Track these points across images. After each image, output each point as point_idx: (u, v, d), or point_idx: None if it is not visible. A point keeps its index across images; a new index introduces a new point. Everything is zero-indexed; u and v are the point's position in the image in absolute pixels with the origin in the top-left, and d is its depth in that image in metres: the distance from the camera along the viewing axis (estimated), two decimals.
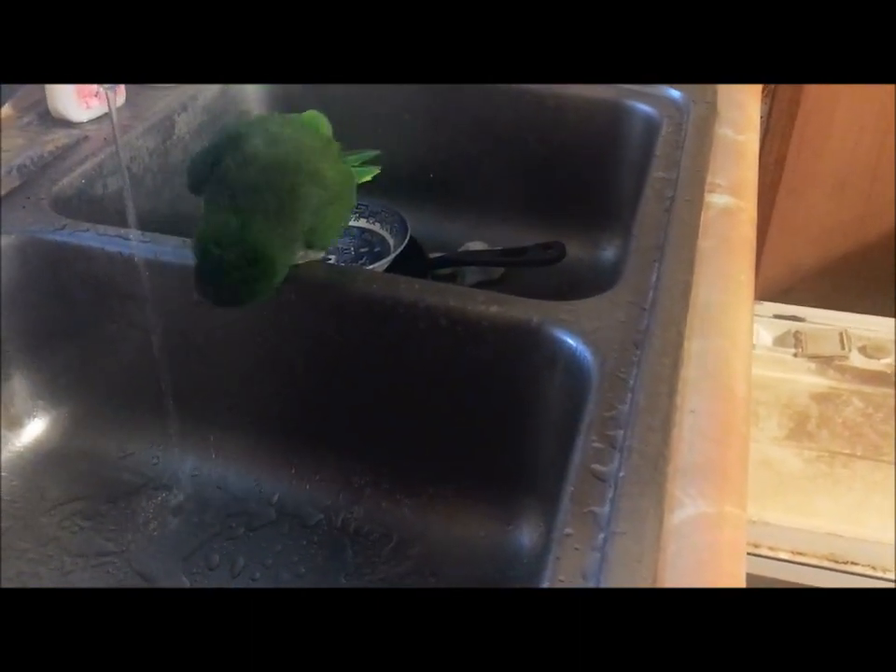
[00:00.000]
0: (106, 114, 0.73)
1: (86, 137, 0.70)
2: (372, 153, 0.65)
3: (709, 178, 0.66)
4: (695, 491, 0.42)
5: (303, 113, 0.58)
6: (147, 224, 0.71)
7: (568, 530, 0.40)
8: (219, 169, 0.50)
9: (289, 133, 0.53)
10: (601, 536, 0.39)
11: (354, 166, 0.61)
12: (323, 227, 0.53)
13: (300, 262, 0.55)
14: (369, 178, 0.63)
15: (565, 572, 0.38)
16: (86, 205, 0.66)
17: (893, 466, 1.23)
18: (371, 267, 0.74)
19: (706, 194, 0.64)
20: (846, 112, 1.52)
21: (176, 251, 0.57)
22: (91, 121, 0.72)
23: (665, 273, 0.55)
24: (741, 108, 0.78)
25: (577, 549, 0.39)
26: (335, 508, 0.60)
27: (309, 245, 0.53)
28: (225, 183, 0.50)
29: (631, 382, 0.47)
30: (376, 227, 0.82)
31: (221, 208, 0.49)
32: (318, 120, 0.58)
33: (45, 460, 0.63)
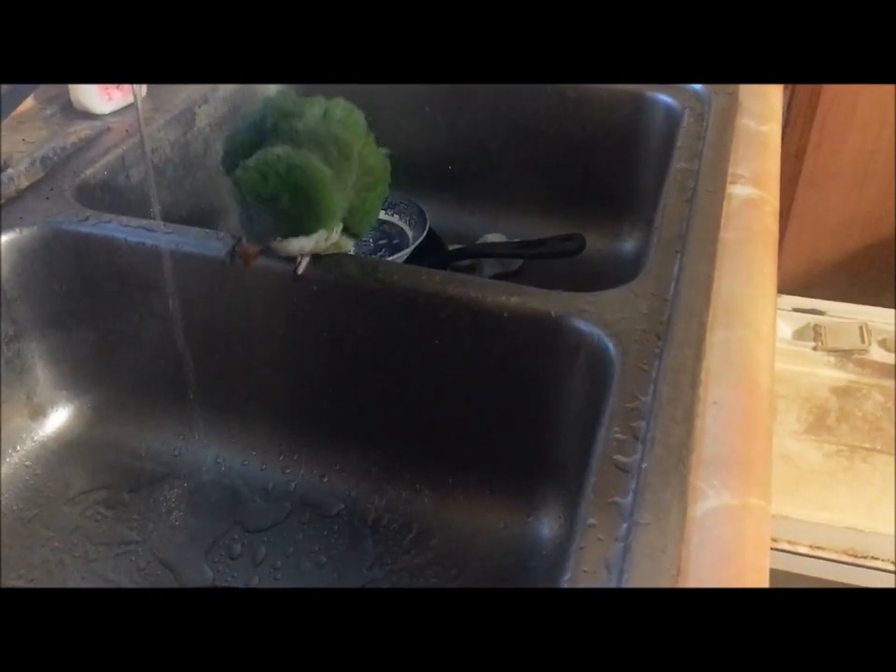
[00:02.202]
0: (127, 106, 0.73)
1: (108, 129, 0.70)
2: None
3: (731, 169, 0.66)
4: (719, 482, 0.41)
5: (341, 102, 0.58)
6: (168, 215, 0.71)
7: (592, 520, 0.40)
8: (266, 142, 0.50)
9: (339, 113, 0.53)
10: (624, 526, 0.39)
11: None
12: (362, 211, 0.53)
13: (329, 249, 0.55)
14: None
15: (588, 562, 0.38)
16: (109, 196, 0.67)
17: None
18: (390, 258, 0.74)
19: (728, 185, 0.64)
20: (866, 104, 1.50)
21: (199, 242, 0.58)
22: (113, 113, 0.72)
23: (687, 264, 0.55)
24: (763, 99, 0.77)
25: (600, 539, 0.39)
26: (356, 498, 0.60)
27: (345, 228, 0.53)
28: (276, 134, 0.50)
29: (653, 373, 0.47)
30: (395, 219, 0.82)
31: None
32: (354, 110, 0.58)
33: (68, 450, 0.63)
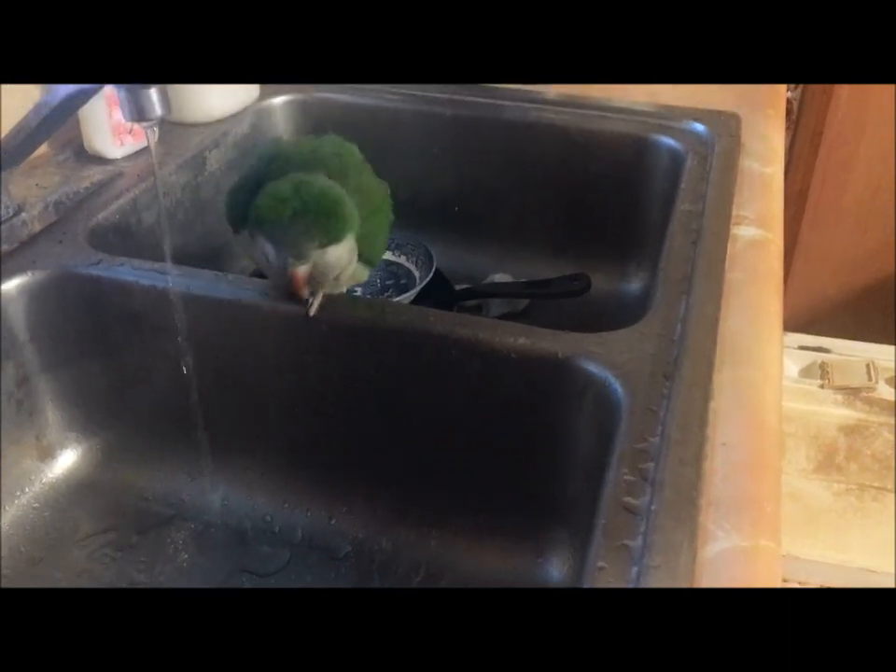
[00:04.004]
0: (139, 150, 0.74)
1: (120, 173, 0.71)
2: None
3: (735, 211, 0.66)
4: (729, 524, 0.41)
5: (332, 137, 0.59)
6: (178, 258, 0.72)
7: (601, 563, 0.39)
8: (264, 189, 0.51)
9: (329, 145, 0.55)
10: (635, 569, 0.39)
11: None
12: (371, 236, 0.54)
13: (348, 282, 0.56)
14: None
15: None
16: (121, 240, 0.67)
17: None
18: (397, 299, 0.75)
19: (732, 226, 0.64)
20: (869, 143, 1.52)
21: (210, 284, 0.58)
22: (126, 158, 0.74)
23: (694, 305, 0.55)
24: (765, 141, 0.78)
25: (610, 582, 0.39)
26: (363, 540, 0.60)
27: (359, 255, 0.54)
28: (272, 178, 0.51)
29: (661, 414, 0.47)
30: (402, 259, 0.83)
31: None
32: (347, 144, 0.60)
33: (77, 491, 0.63)
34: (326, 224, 0.49)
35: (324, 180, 0.51)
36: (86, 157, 0.74)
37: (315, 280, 0.52)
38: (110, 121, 0.71)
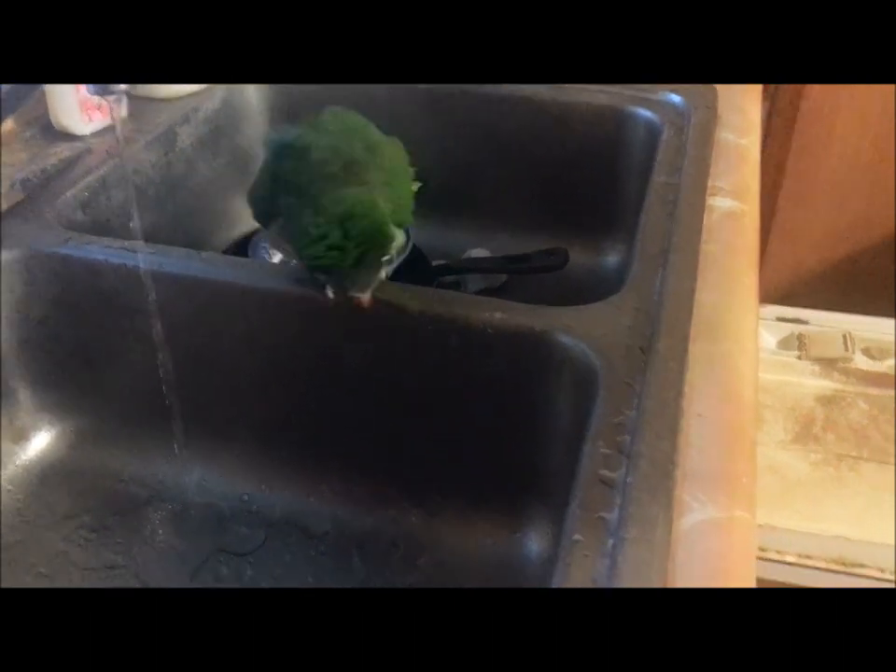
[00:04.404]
0: (108, 127, 0.73)
1: (89, 150, 0.70)
2: None
3: (712, 182, 0.66)
4: (704, 496, 0.41)
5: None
6: (150, 236, 0.71)
7: (577, 536, 0.39)
8: (287, 177, 0.50)
9: (332, 121, 0.53)
10: (610, 542, 0.39)
11: None
12: (397, 198, 0.52)
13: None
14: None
15: (574, 578, 0.38)
16: (90, 218, 0.66)
17: None
18: None
19: (708, 198, 0.64)
20: (846, 115, 1.52)
21: (182, 262, 0.57)
22: (94, 134, 0.72)
23: (670, 278, 0.55)
24: (742, 112, 0.78)
25: (586, 555, 0.39)
26: (342, 518, 0.60)
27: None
28: (290, 179, 0.49)
29: (638, 387, 0.47)
30: None
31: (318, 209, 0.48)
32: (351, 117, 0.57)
33: (51, 474, 0.63)
34: (383, 253, 0.48)
35: (358, 197, 0.47)
36: (53, 133, 0.72)
37: None
38: (77, 97, 0.70)
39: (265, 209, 0.52)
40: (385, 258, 0.50)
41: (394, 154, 0.54)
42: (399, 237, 0.53)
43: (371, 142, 0.52)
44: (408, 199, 0.54)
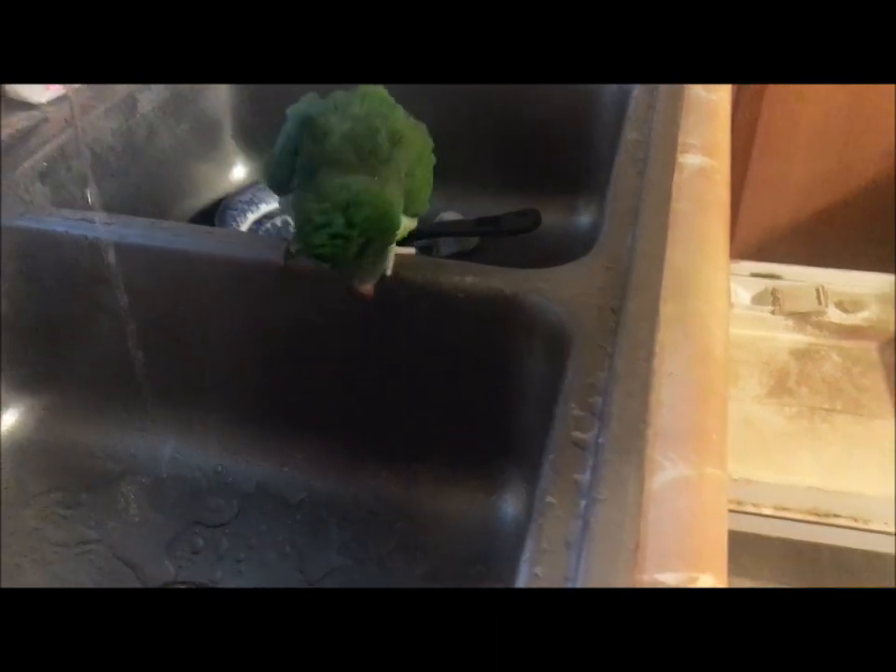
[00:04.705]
0: (66, 95, 0.71)
1: (46, 119, 0.68)
2: None
3: (682, 139, 0.66)
4: (676, 454, 0.42)
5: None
6: (113, 205, 0.70)
7: (550, 499, 0.40)
8: (302, 158, 0.48)
9: (356, 102, 0.50)
10: (583, 503, 0.39)
11: None
12: (415, 188, 0.51)
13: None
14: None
15: (547, 540, 0.38)
16: (50, 189, 0.65)
17: (872, 420, 1.24)
18: None
19: (679, 155, 0.63)
20: None
21: (144, 233, 0.56)
22: (51, 102, 0.70)
23: (640, 237, 0.55)
24: None
25: (559, 517, 0.39)
26: (318, 486, 0.60)
27: (404, 211, 0.50)
28: (306, 158, 0.48)
29: (609, 348, 0.47)
30: None
31: (322, 196, 0.46)
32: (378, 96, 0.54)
33: (21, 451, 0.62)
34: (387, 242, 0.47)
35: (363, 185, 0.45)
36: (9, 102, 0.70)
37: None
38: None
39: (281, 180, 0.50)
40: (391, 248, 0.49)
41: (418, 142, 0.52)
42: (411, 225, 0.53)
43: (396, 130, 0.49)
44: (426, 188, 0.53)
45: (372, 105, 0.51)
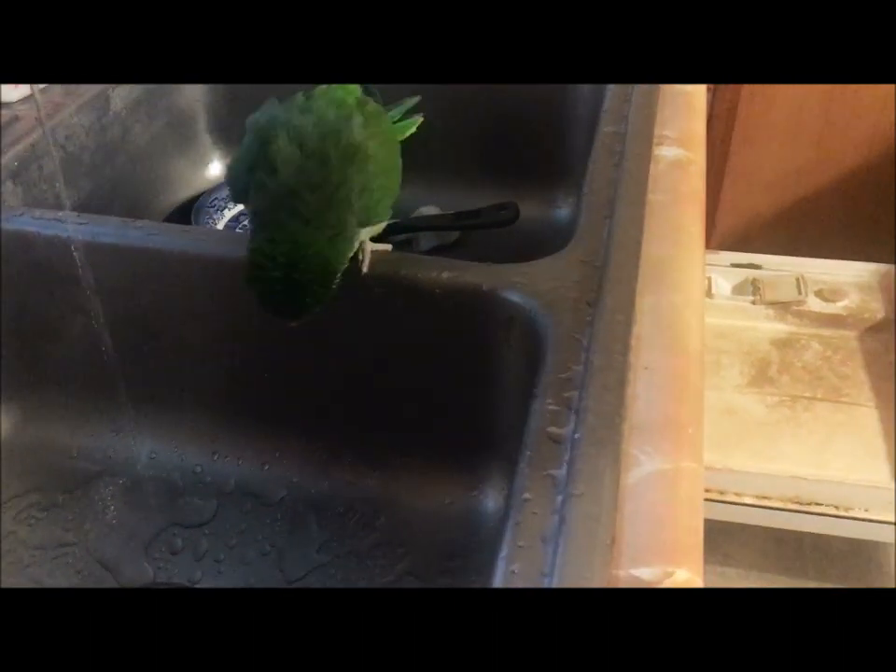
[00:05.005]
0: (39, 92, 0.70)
1: (17, 117, 0.67)
2: (412, 100, 0.61)
3: (658, 131, 0.66)
4: (652, 448, 0.42)
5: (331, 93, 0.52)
6: (87, 204, 0.69)
7: (527, 495, 0.39)
8: (255, 185, 0.47)
9: (310, 118, 0.48)
10: (559, 498, 0.39)
11: (395, 122, 0.58)
12: (373, 202, 0.49)
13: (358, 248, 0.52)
14: (413, 130, 0.59)
15: (524, 537, 0.38)
16: (22, 189, 0.64)
17: (853, 407, 1.25)
18: None
19: (654, 147, 0.63)
20: None
21: (116, 231, 0.56)
22: (22, 101, 0.69)
23: (617, 229, 0.54)
24: None
25: (535, 513, 0.39)
26: (298, 484, 0.59)
27: (362, 225, 0.49)
28: (258, 193, 0.47)
29: (585, 342, 0.47)
30: None
31: (262, 222, 0.46)
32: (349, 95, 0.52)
33: None
34: (320, 284, 0.46)
35: (305, 241, 0.45)
36: None
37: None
38: None
39: (239, 190, 0.49)
40: (365, 244, 0.48)
41: (379, 151, 0.49)
42: (378, 228, 0.52)
43: (350, 145, 0.47)
44: (387, 198, 0.51)
45: (328, 115, 0.48)
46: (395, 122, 0.59)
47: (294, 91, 0.51)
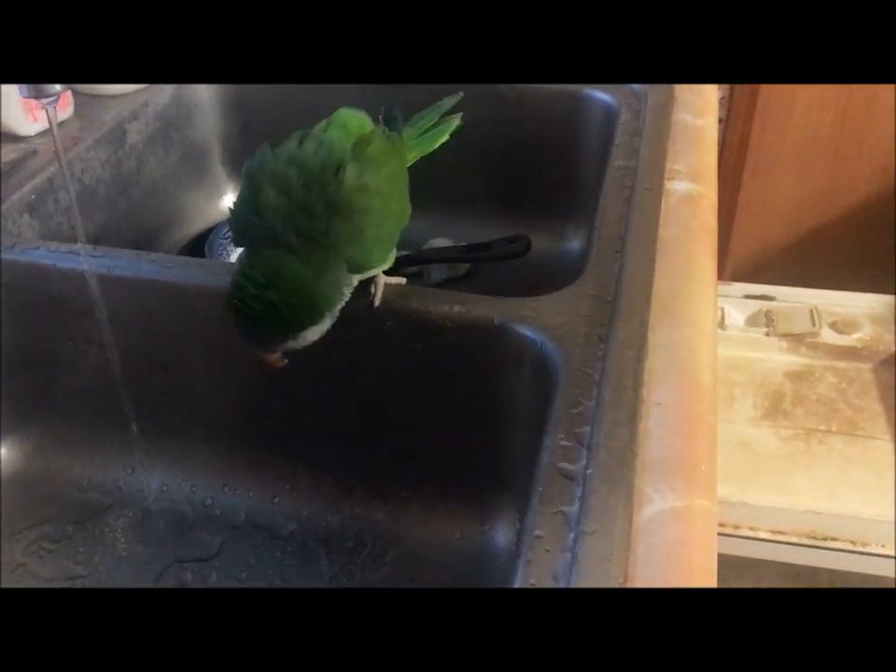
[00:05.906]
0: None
1: (34, 151, 0.68)
2: (453, 99, 0.59)
3: (669, 165, 0.66)
4: (664, 485, 0.41)
5: (326, 122, 0.51)
6: (102, 237, 0.70)
7: (538, 532, 0.39)
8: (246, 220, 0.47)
9: (294, 170, 0.47)
10: (571, 536, 0.39)
11: (427, 129, 0.58)
12: (363, 252, 0.48)
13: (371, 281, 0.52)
14: (446, 138, 0.58)
15: (535, 575, 0.37)
16: (39, 222, 0.65)
17: (868, 440, 1.24)
18: None
19: (666, 181, 0.64)
20: (807, 89, 1.53)
21: (131, 264, 0.56)
22: (40, 134, 0.70)
23: (628, 264, 0.54)
24: (698, 92, 0.78)
25: (547, 550, 0.38)
26: (307, 517, 0.59)
27: (353, 273, 0.48)
28: (249, 234, 0.47)
29: (596, 377, 0.47)
30: None
31: (250, 254, 0.47)
32: (345, 120, 0.51)
33: (8, 485, 0.61)
34: (296, 312, 0.45)
35: (287, 269, 0.45)
36: None
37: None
38: (21, 96, 0.68)
39: (238, 234, 0.49)
40: (378, 278, 0.48)
41: (374, 201, 0.48)
42: (385, 265, 0.52)
43: (335, 200, 0.46)
44: (377, 249, 0.49)
45: (314, 165, 0.47)
46: (425, 131, 0.58)
47: (304, 102, 0.51)
